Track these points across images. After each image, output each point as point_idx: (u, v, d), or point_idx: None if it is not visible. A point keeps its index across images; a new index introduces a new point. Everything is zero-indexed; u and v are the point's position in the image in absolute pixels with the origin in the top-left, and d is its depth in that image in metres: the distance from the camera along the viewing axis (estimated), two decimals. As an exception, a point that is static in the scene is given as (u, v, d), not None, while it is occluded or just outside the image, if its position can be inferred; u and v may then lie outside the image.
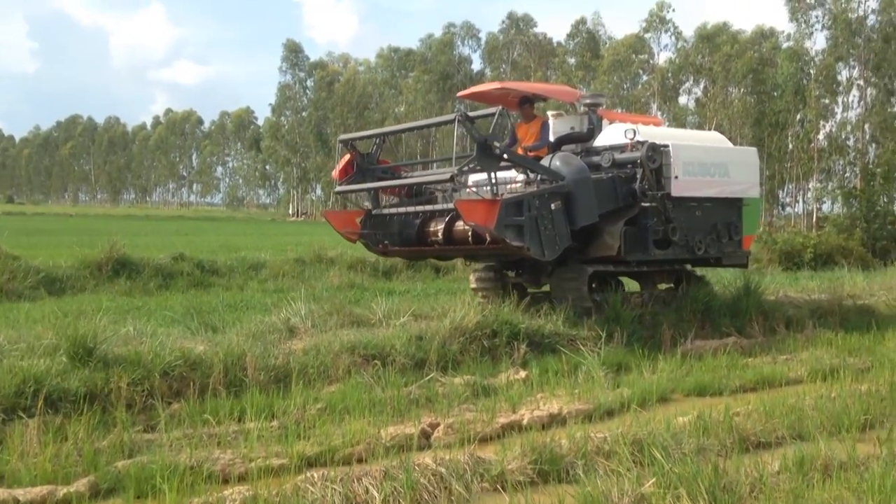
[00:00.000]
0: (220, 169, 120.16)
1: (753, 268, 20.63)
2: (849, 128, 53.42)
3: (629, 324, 9.64)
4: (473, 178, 9.76)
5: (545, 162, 9.57)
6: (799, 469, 4.99)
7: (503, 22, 70.83)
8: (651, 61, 63.53)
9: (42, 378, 5.88)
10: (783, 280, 16.49)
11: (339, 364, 7.54)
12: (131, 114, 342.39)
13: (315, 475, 4.80)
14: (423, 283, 15.91)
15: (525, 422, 6.44)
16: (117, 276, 13.99)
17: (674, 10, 63.60)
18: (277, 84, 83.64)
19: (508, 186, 9.56)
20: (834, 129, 54.27)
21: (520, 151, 10.17)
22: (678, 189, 10.18)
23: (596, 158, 10.28)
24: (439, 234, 9.79)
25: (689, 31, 61.99)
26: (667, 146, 10.13)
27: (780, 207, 60.16)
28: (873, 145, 51.82)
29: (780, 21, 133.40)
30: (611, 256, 9.91)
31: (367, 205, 10.63)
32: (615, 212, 9.92)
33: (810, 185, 55.70)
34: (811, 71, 52.51)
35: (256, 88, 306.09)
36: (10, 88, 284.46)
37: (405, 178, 10.55)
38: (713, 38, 57.71)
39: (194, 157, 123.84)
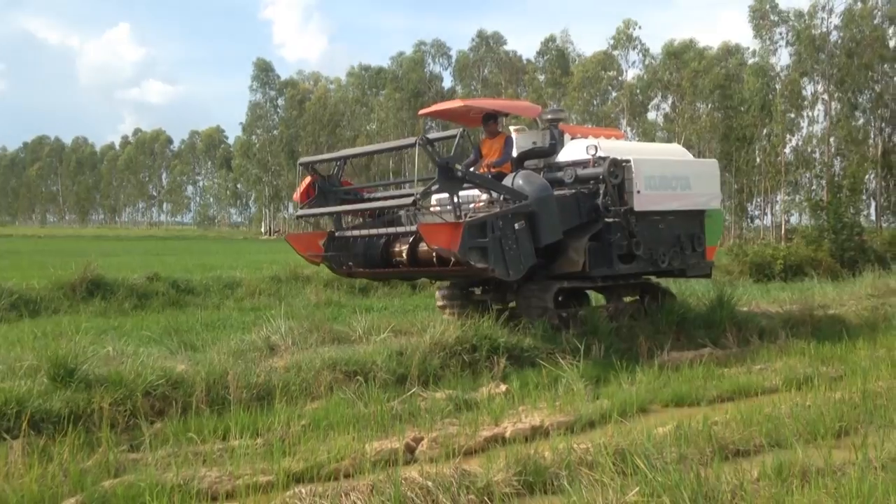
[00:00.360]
0: (190, 188, 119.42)
1: (725, 279, 20.95)
2: (814, 141, 54.38)
3: (606, 336, 9.77)
4: (437, 196, 9.74)
5: (508, 181, 9.56)
6: (778, 475, 5.10)
7: (473, 40, 71.40)
8: (620, 78, 64.27)
9: (24, 399, 5.86)
10: (755, 291, 16.74)
11: (321, 381, 7.57)
12: (99, 133, 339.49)
13: (303, 490, 4.84)
14: (400, 300, 15.94)
15: (508, 434, 6.51)
16: (91, 296, 13.90)
17: (640, 28, 64.74)
18: (248, 103, 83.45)
19: (472, 205, 9.61)
20: (800, 143, 55.22)
21: (483, 168, 10.24)
22: (641, 203, 10.24)
23: (559, 174, 10.35)
24: (404, 255, 9.71)
25: (656, 49, 62.63)
26: (628, 161, 10.19)
27: (748, 220, 60.96)
28: (839, 158, 52.76)
29: (745, 38, 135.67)
30: (576, 272, 9.95)
31: (330, 227, 10.56)
32: (579, 227, 10.00)
33: (778, 198, 56.55)
34: (776, 86, 53.42)
35: (226, 107, 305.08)
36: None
37: (367, 199, 10.53)
38: (680, 54, 58.53)
39: (164, 176, 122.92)
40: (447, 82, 74.01)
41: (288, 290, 16.44)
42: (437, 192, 8.92)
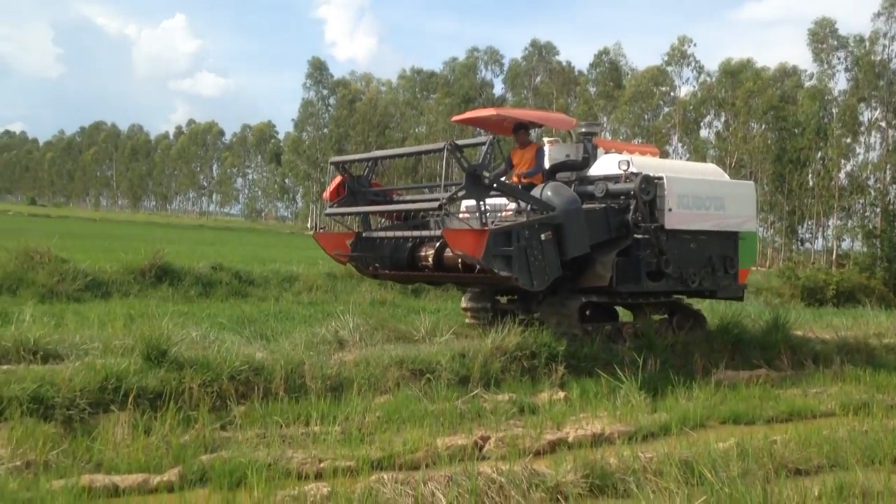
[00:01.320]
0: (239, 180, 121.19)
1: (776, 302, 20.93)
2: (870, 168, 53.55)
3: (662, 351, 9.95)
4: (466, 203, 9.74)
5: (537, 191, 9.51)
6: (839, 495, 5.27)
7: (526, 49, 71.64)
8: (672, 94, 63.96)
9: (122, 376, 6.26)
10: (807, 316, 16.71)
11: (389, 377, 7.89)
12: (151, 122, 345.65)
13: (385, 477, 5.15)
14: (453, 303, 16.22)
15: (570, 439, 6.77)
16: (160, 282, 14.41)
17: (695, 45, 64.25)
18: (301, 100, 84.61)
19: (500, 213, 9.62)
20: (855, 169, 54.43)
21: (514, 178, 10.28)
22: (672, 221, 10.18)
23: (590, 188, 10.29)
24: (430, 260, 9.66)
25: (710, 66, 62.33)
26: (661, 178, 10.13)
27: (798, 242, 60.20)
28: (894, 186, 51.92)
29: (802, 60, 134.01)
30: (602, 287, 9.89)
31: (358, 227, 10.65)
32: (608, 242, 9.93)
33: (830, 223, 55.78)
34: (833, 110, 52.76)
35: (275, 102, 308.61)
36: (34, 92, 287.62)
37: (396, 202, 10.59)
38: (736, 73, 58.11)
39: (215, 167, 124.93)
40: (498, 89, 74.38)
41: (343, 286, 16.81)
42: (464, 198, 8.94)
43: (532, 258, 8.98)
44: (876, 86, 50.96)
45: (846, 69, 52.96)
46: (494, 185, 8.78)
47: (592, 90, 66.78)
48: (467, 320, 10.92)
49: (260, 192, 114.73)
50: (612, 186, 10.12)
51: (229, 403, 6.67)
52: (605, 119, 65.21)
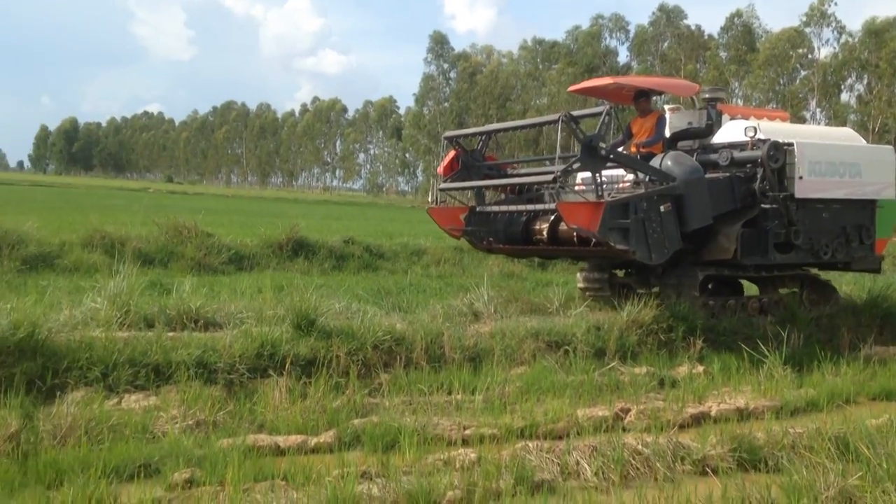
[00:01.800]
0: (361, 156, 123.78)
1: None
2: None
3: (806, 326, 9.62)
4: (582, 175, 9.54)
5: (656, 161, 9.25)
6: None
7: (653, 13, 69.58)
8: (810, 56, 60.71)
9: (276, 344, 6.63)
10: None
11: (525, 348, 7.99)
12: (277, 100, 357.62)
13: (530, 445, 5.27)
14: (580, 276, 16.15)
15: (713, 413, 6.69)
16: (296, 255, 14.99)
17: (836, 4, 60.64)
18: (422, 74, 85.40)
19: (617, 185, 9.33)
20: None
21: (633, 148, 10.04)
22: (803, 190, 9.72)
23: (713, 156, 9.94)
24: (544, 234, 9.47)
25: (851, 26, 58.72)
26: (791, 144, 9.69)
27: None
28: None
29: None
30: (726, 259, 9.55)
31: (472, 202, 10.51)
32: (732, 213, 9.56)
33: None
34: None
35: (396, 77, 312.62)
36: (169, 74, 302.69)
37: (509, 176, 10.31)
38: (881, 32, 54.52)
39: (338, 143, 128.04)
40: (623, 57, 72.68)
41: (470, 260, 16.99)
42: (579, 170, 8.67)
43: (650, 231, 8.73)
44: None
45: None
46: (611, 157, 8.52)
47: (723, 55, 64.20)
48: (580, 285, 10.79)
49: (381, 167, 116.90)
50: (737, 154, 9.75)
51: (374, 371, 6.94)
52: (736, 85, 62.70)
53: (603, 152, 8.32)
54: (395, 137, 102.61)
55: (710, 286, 10.27)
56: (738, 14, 64.56)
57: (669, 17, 68.46)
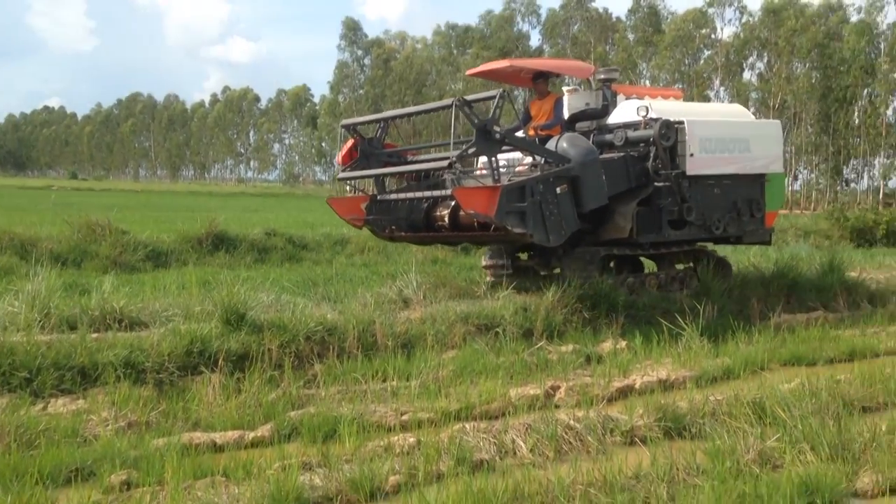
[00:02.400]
0: (276, 146, 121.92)
1: (825, 244, 20.75)
2: (919, 103, 52.25)
3: (719, 298, 10.03)
4: (483, 160, 9.42)
5: (552, 144, 9.27)
6: (908, 430, 5.38)
7: (564, -3, 70.55)
8: (714, 36, 62.71)
9: (206, 340, 6.57)
10: (858, 257, 16.59)
11: (455, 332, 8.12)
12: (185, 90, 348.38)
13: (467, 426, 5.39)
14: (503, 259, 16.39)
15: (637, 386, 6.95)
16: (217, 250, 14.76)
17: (738, -15, 62.52)
18: (336, 62, 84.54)
19: (516, 169, 9.48)
20: (904, 105, 53.15)
21: (531, 131, 10.07)
22: (694, 167, 9.86)
23: (608, 137, 10.03)
24: (446, 220, 9.47)
25: (753, 6, 60.90)
26: (682, 122, 9.82)
27: (843, 183, 59.14)
28: (945, 120, 50.64)
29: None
30: (623, 238, 9.67)
31: (373, 191, 10.41)
32: (628, 192, 9.68)
33: (877, 162, 54.70)
34: (881, 45, 51.33)
35: (308, 65, 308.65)
36: (69, 66, 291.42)
37: (409, 163, 10.20)
38: (779, 11, 56.72)
39: (252, 133, 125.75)
40: (535, 41, 73.55)
41: (394, 248, 17.02)
42: (475, 154, 8.65)
43: (547, 213, 8.73)
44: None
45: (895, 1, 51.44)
46: (506, 140, 8.49)
47: (631, 37, 65.65)
48: (488, 278, 10.65)
49: (297, 157, 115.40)
50: (631, 134, 9.86)
51: (307, 363, 6.96)
52: (644, 66, 64.22)
53: (497, 136, 8.31)
54: (311, 126, 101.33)
55: (612, 265, 10.47)
56: (645, -4, 66.11)
57: (579, 1, 69.55)
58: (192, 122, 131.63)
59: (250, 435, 5.29)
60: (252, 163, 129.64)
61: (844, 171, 58.98)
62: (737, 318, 9.51)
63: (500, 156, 9.29)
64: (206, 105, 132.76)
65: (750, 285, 10.81)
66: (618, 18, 68.93)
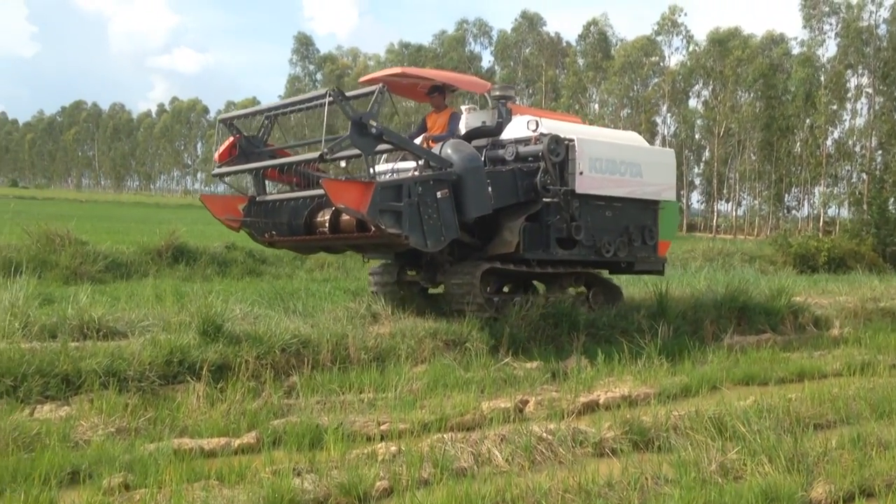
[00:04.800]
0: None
1: (770, 269, 21.51)
2: (856, 134, 54.32)
3: (674, 318, 10.44)
4: (389, 165, 9.55)
5: (437, 149, 9.06)
6: (856, 444, 5.77)
7: (516, 20, 71.71)
8: (662, 64, 64.36)
9: (185, 350, 6.70)
10: (803, 282, 17.28)
11: (425, 347, 8.38)
12: (130, 100, 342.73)
13: (445, 437, 5.62)
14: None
15: (602, 401, 7.24)
16: (177, 262, 14.77)
17: (686, 15, 64.62)
18: (287, 75, 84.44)
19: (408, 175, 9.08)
20: (842, 136, 55.22)
21: (425, 142, 9.85)
22: (583, 185, 9.76)
23: (500, 152, 9.90)
24: (326, 224, 9.04)
25: (699, 35, 62.89)
26: (572, 140, 9.76)
27: (785, 210, 61.07)
28: (880, 152, 52.73)
29: (790, 27, 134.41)
30: (510, 254, 9.45)
31: (252, 191, 9.88)
32: (516, 206, 9.50)
33: (817, 190, 56.65)
34: (821, 77, 53.37)
35: (255, 78, 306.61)
36: (9, 72, 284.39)
37: (280, 160, 9.60)
38: (725, 42, 58.55)
39: (199, 145, 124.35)
40: (486, 62, 74.48)
41: (353, 262, 17.20)
42: (348, 148, 8.25)
43: (426, 216, 8.43)
44: (863, 52, 51.58)
45: (836, 35, 53.52)
46: (383, 135, 8.15)
47: (581, 62, 66.98)
48: (371, 288, 10.48)
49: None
50: (521, 149, 9.72)
51: (283, 374, 7.12)
52: (594, 90, 65.48)
53: (374, 130, 7.99)
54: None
55: (505, 287, 10.39)
56: (594, 22, 67.59)
57: (531, 24, 70.75)
58: (138, 132, 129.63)
59: (236, 441, 5.44)
60: (199, 174, 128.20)
61: (786, 199, 60.92)
62: (691, 338, 9.94)
63: (397, 164, 9.36)
64: (153, 115, 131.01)
65: (703, 308, 11.25)
66: (568, 43, 70.34)
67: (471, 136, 10.41)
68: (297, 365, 7.30)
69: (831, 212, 53.75)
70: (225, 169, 9.50)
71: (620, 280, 11.90)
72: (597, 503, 4.58)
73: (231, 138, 9.55)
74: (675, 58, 64.50)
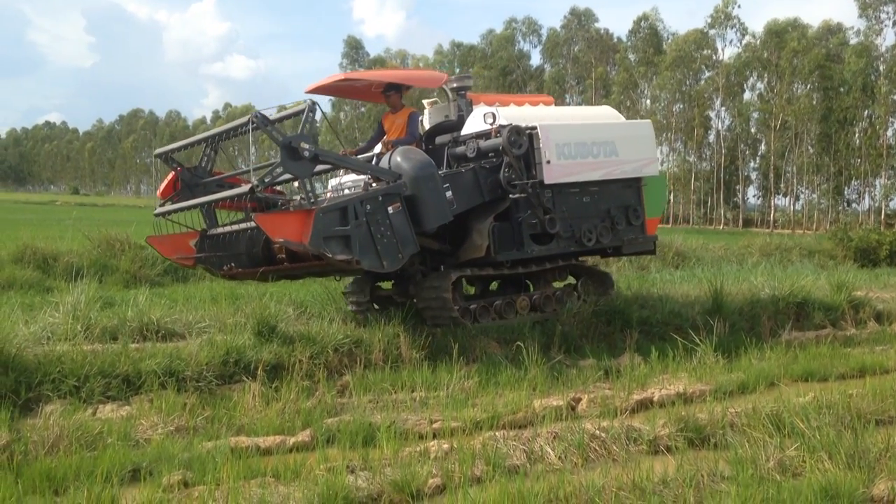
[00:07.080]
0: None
1: (830, 264, 21.00)
2: (919, 125, 52.77)
3: (730, 314, 10.28)
4: (333, 182, 9.07)
5: (385, 160, 8.46)
6: (921, 440, 5.61)
7: (565, 17, 71.29)
8: (715, 57, 63.29)
9: (241, 350, 6.83)
10: (863, 276, 16.82)
11: (477, 345, 8.38)
12: (184, 107, 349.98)
13: (497, 434, 5.62)
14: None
15: (656, 398, 7.17)
16: (230, 265, 14.98)
17: (739, 7, 63.42)
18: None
19: (357, 190, 8.56)
20: (904, 126, 53.67)
21: (385, 147, 9.03)
22: (552, 175, 9.05)
23: (461, 149, 9.26)
24: (284, 251, 8.39)
25: (753, 27, 61.67)
26: (534, 128, 9.02)
27: (845, 204, 59.55)
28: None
29: (847, 16, 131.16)
30: (482, 258, 8.85)
31: (202, 224, 9.09)
32: (482, 207, 8.90)
33: (878, 182, 55.11)
34: (880, 67, 51.91)
35: (306, 82, 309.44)
36: (69, 82, 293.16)
37: (214, 192, 8.79)
38: (782, 33, 57.36)
39: (253, 150, 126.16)
40: (535, 60, 74.24)
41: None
42: (281, 174, 7.75)
43: (378, 235, 7.80)
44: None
45: (894, 24, 52.06)
46: (319, 157, 7.58)
47: (632, 57, 66.27)
48: (348, 306, 9.71)
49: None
50: (482, 144, 9.05)
51: (336, 373, 7.21)
52: (646, 86, 64.70)
53: (307, 153, 7.42)
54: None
55: (486, 290, 9.95)
56: (645, 17, 66.80)
57: (581, 21, 70.25)
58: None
59: (291, 440, 5.53)
60: (253, 178, 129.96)
61: (846, 192, 59.40)
62: (748, 334, 9.77)
63: (347, 178, 8.80)
64: (208, 121, 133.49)
65: (760, 303, 11.04)
66: (619, 39, 69.67)
67: (433, 133, 9.93)
68: (350, 364, 7.39)
69: (893, 204, 52.33)
70: (168, 207, 8.77)
71: (618, 271, 11.59)
72: (652, 500, 4.54)
73: (172, 173, 9.01)
74: (728, 50, 63.43)
